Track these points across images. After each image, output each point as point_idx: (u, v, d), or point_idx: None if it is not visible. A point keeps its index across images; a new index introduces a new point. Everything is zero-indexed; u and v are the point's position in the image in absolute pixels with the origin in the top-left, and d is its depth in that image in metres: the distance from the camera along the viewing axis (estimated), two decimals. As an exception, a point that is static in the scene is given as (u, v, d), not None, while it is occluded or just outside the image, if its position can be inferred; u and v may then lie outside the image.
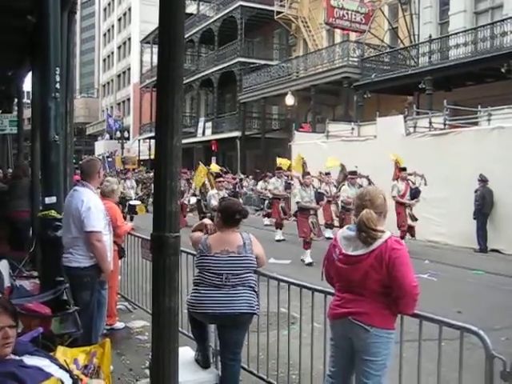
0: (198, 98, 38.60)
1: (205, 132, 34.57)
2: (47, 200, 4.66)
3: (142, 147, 44.50)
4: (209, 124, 34.69)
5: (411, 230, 12.49)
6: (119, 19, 61.14)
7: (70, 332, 4.10)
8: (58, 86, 4.65)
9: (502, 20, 18.26)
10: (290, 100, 26.06)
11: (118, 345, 5.67)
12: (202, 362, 4.49)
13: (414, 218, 12.47)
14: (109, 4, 65.45)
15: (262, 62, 31.17)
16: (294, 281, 4.35)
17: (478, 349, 3.13)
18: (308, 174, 12.98)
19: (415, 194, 12.58)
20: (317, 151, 17.35)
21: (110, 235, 4.85)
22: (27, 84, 11.35)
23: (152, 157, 35.66)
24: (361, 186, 12.18)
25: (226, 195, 10.72)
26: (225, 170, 17.02)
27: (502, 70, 16.70)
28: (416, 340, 3.42)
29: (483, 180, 12.41)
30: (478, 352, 3.12)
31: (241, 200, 12.52)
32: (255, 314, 4.18)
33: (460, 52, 19.19)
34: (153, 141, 37.97)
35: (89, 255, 4.54)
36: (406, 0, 23.11)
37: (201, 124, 35.64)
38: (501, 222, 12.43)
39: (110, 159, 40.43)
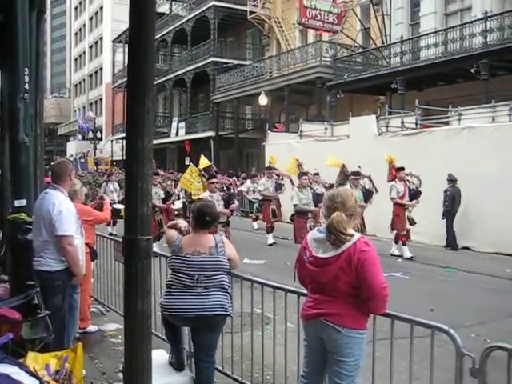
0: (171, 98, 38.40)
1: (178, 132, 34.42)
2: (17, 203, 4.57)
3: (114, 148, 44.11)
4: (182, 124, 34.54)
5: (408, 233, 12.11)
6: (91, 18, 60.49)
7: (41, 337, 4.04)
8: (26, 86, 4.57)
9: (471, 22, 18.57)
10: (263, 100, 26.10)
11: (91, 348, 5.61)
12: (176, 364, 4.47)
13: (413, 222, 12.05)
14: (80, 3, 64.71)
15: (236, 61, 31.15)
16: (267, 282, 4.36)
17: (448, 346, 3.17)
18: (305, 174, 12.56)
19: (415, 194, 12.14)
20: (290, 151, 17.39)
21: (82, 238, 4.79)
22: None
23: (125, 157, 35.30)
24: (363, 187, 11.73)
25: (220, 198, 10.03)
26: (215, 167, 16.08)
27: (472, 71, 16.98)
28: (388, 338, 3.46)
29: (452, 180, 12.57)
30: (449, 349, 3.17)
31: (236, 202, 11.42)
32: (228, 315, 4.17)
33: (431, 53, 19.46)
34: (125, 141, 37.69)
35: (60, 259, 4.48)
36: (377, 1, 23.35)
37: (174, 124, 35.46)
38: (471, 220, 12.63)
39: (82, 160, 39.99)
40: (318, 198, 11.44)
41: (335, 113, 21.98)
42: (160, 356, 4.59)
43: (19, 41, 4.56)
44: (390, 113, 17.86)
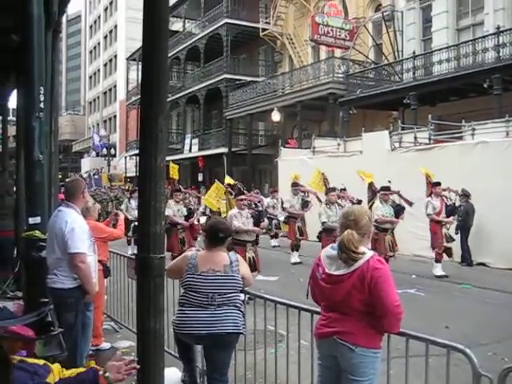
0: (185, 115, 38.64)
1: (191, 148, 34.58)
2: (31, 220, 4.59)
3: (128, 164, 44.38)
4: (195, 140, 34.71)
5: (448, 251, 11.62)
6: (105, 37, 61.27)
7: (54, 354, 4.03)
8: (42, 105, 4.61)
9: (483, 36, 18.55)
10: (276, 116, 26.18)
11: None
12: (189, 382, 4.45)
13: (451, 239, 11.66)
14: (95, 22, 65.61)
15: (248, 78, 31.33)
16: (280, 300, 4.33)
17: (465, 365, 3.13)
18: (333, 190, 12.12)
19: (452, 210, 11.70)
20: (303, 167, 17.38)
21: (95, 256, 4.81)
22: (12, 101, 11.31)
23: (138, 176, 35.42)
24: (394, 202, 11.38)
25: (250, 215, 9.51)
26: (239, 185, 15.46)
27: (484, 86, 16.93)
28: (403, 356, 3.42)
29: (466, 195, 12.45)
30: (465, 368, 3.12)
31: (266, 220, 10.66)
32: (241, 333, 4.15)
33: (443, 68, 19.44)
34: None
35: (73, 276, 4.49)
36: (389, 17, 23.42)
37: (187, 141, 35.65)
38: (485, 235, 12.50)
39: (96, 176, 40.25)
40: None
41: (348, 128, 21.98)
42: (173, 374, 4.57)
43: (35, 60, 4.61)
44: (403, 128, 17.80)
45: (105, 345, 6.32)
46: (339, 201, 12.27)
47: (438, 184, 11.66)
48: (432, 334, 3.37)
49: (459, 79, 18.10)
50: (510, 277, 11.33)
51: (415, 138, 15.74)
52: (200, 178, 31.70)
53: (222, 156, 30.97)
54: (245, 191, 12.84)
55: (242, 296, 4.38)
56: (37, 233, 4.60)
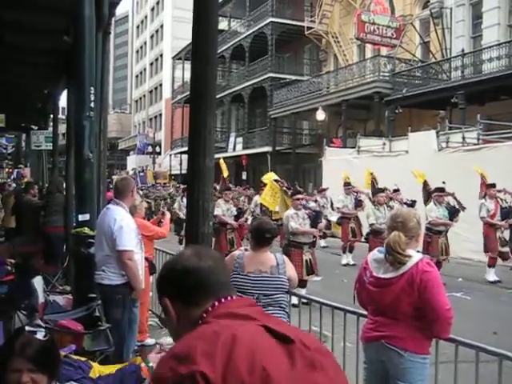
0: (229, 113, 38.84)
1: (235, 147, 34.73)
2: (80, 217, 4.72)
3: (173, 162, 44.89)
4: (239, 139, 34.85)
5: (503, 254, 11.16)
6: (151, 36, 62.17)
7: (101, 349, 4.13)
8: (92, 105, 4.74)
9: (537, 33, 18.00)
10: (320, 115, 26.02)
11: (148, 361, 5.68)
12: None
13: (506, 243, 11.17)
14: (141, 21, 66.64)
15: (293, 77, 31.22)
16: (326, 301, 4.31)
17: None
18: (382, 190, 11.78)
19: (507, 213, 11.22)
20: (348, 167, 17.23)
21: (142, 253, 4.89)
22: (63, 100, 11.62)
23: (183, 171, 35.72)
24: (448, 203, 11.01)
25: (306, 216, 9.03)
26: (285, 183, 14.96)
27: (537, 84, 16.41)
28: (451, 361, 3.36)
29: None
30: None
31: (324, 221, 10.31)
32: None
33: (494, 66, 18.92)
34: (184, 156, 38.30)
35: (120, 273, 4.58)
36: (437, 14, 22.94)
37: (232, 139, 35.82)
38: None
39: (141, 174, 40.88)
40: None
41: (393, 128, 21.65)
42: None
43: (86, 61, 4.74)
44: (451, 128, 17.44)
45: (149, 340, 6.41)
46: (390, 202, 11.88)
47: (493, 185, 11.26)
48: (480, 340, 3.30)
49: (510, 77, 17.57)
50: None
51: (463, 137, 15.39)
52: (244, 176, 31.78)
53: (265, 155, 30.98)
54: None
55: (290, 297, 4.37)
56: (86, 229, 4.73)
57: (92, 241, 4.71)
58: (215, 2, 2.84)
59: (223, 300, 1.45)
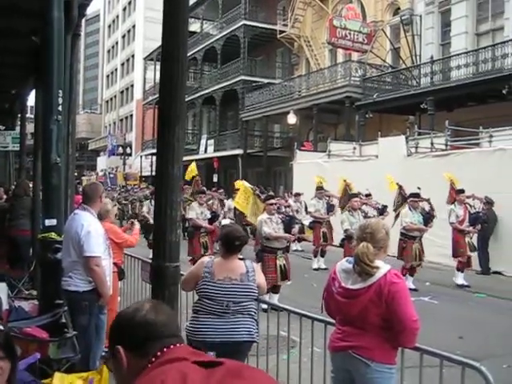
0: (201, 116, 38.73)
1: (207, 149, 34.65)
2: (47, 222, 4.64)
3: (144, 163, 44.56)
4: (211, 141, 34.78)
5: (468, 260, 11.28)
6: (123, 36, 61.62)
7: (67, 357, 4.07)
8: (60, 108, 4.66)
9: (503, 42, 18.37)
10: (292, 119, 26.13)
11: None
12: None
13: (474, 248, 11.33)
14: (113, 21, 66.02)
15: (265, 80, 31.30)
16: (294, 309, 4.33)
17: (480, 377, 3.09)
18: (356, 195, 11.70)
19: (476, 219, 11.38)
20: (318, 170, 17.34)
21: (110, 259, 4.83)
22: (31, 98, 11.40)
23: (154, 173, 35.38)
24: (424, 209, 11.00)
25: (280, 221, 8.90)
26: (259, 188, 14.73)
27: (503, 92, 16.74)
28: (416, 366, 3.41)
29: (489, 202, 12.25)
30: (479, 380, 3.08)
31: (297, 226, 10.19)
32: (255, 342, 4.15)
33: (462, 73, 19.27)
34: (155, 158, 38.05)
35: (87, 279, 4.52)
36: (408, 21, 23.27)
37: (203, 141, 35.72)
38: (503, 244, 12.37)
39: (111, 175, 40.49)
40: None
41: (364, 132, 21.87)
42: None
43: (54, 63, 4.66)
44: (420, 133, 17.68)
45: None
46: (363, 207, 11.86)
47: (462, 191, 11.35)
48: (446, 345, 3.36)
49: (477, 85, 17.92)
50: (526, 286, 11.20)
51: (432, 143, 15.63)
52: (215, 178, 31.72)
53: (237, 157, 31.00)
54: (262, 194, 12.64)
55: (258, 304, 4.37)
56: (53, 235, 4.65)
57: (59, 246, 4.63)
58: (185, 2, 2.82)
59: (165, 349, 1.56)
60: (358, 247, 3.26)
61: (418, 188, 11.25)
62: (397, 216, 11.64)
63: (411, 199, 10.86)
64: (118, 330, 1.65)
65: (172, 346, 1.57)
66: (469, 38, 21.08)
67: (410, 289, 10.00)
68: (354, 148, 19.24)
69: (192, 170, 14.86)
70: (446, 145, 15.27)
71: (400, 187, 11.92)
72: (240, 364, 1.57)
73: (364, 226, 3.39)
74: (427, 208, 11.12)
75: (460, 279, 11.18)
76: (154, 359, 1.54)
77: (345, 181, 13.51)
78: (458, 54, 19.93)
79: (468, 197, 11.64)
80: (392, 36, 25.02)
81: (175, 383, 1.38)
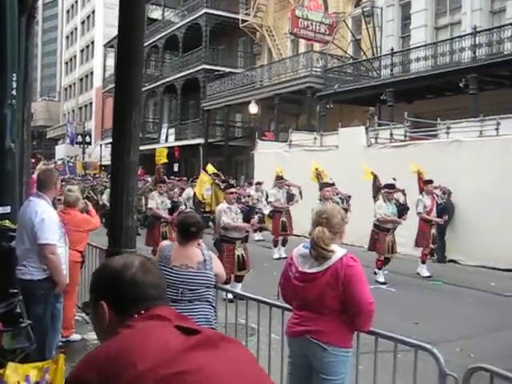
0: (162, 104, 38.35)
1: (168, 138, 34.35)
2: (1, 210, 4.49)
3: (103, 152, 43.88)
4: (172, 130, 34.49)
5: (431, 252, 11.44)
6: (82, 22, 60.33)
7: (22, 347, 3.98)
8: (14, 92, 4.52)
9: (461, 36, 18.76)
10: (253, 108, 26.13)
11: (73, 358, 5.50)
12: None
13: (435, 241, 11.40)
14: (72, 6, 64.50)
15: (227, 69, 31.17)
16: (252, 296, 4.34)
17: (434, 360, 3.17)
18: (329, 185, 11.45)
19: (443, 210, 11.46)
20: (279, 160, 17.41)
21: (66, 247, 4.75)
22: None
23: (110, 171, 34.92)
24: (397, 201, 10.82)
25: (239, 210, 8.75)
26: (222, 175, 14.56)
27: (460, 85, 17.12)
28: (372, 351, 3.47)
29: (445, 193, 12.48)
30: (434, 364, 3.16)
31: (257, 217, 9.91)
32: (213, 328, 4.14)
33: (421, 65, 19.60)
34: (115, 146, 37.45)
35: (42, 267, 4.44)
36: (369, 13, 23.48)
37: (164, 130, 35.40)
38: (459, 233, 12.68)
39: (70, 164, 39.72)
40: None
41: (325, 123, 22.04)
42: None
43: (7, 46, 4.50)
44: (380, 124, 17.94)
45: (75, 336, 6.26)
46: (334, 197, 11.57)
47: (431, 182, 11.35)
48: (402, 330, 3.42)
49: (436, 77, 18.27)
50: (481, 274, 11.52)
51: (391, 134, 15.87)
52: (176, 168, 31.50)
53: (198, 147, 30.84)
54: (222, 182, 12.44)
55: (217, 291, 4.36)
56: (7, 222, 4.51)
57: (13, 234, 4.50)
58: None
59: (150, 309, 1.52)
60: (314, 231, 3.30)
61: (394, 179, 11.08)
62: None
63: (385, 190, 10.67)
64: (103, 285, 1.56)
65: (155, 307, 1.52)
66: (428, 32, 21.43)
67: (379, 281, 10.20)
68: (315, 138, 19.35)
69: (163, 155, 14.49)
70: (405, 136, 15.53)
71: (375, 177, 11.86)
72: (217, 334, 1.52)
73: (320, 212, 3.43)
74: (402, 199, 11.01)
75: (425, 271, 11.21)
76: (136, 316, 1.49)
77: (317, 169, 13.37)
78: (417, 47, 20.26)
79: (436, 187, 11.67)
80: (353, 27, 25.22)
81: (156, 350, 1.33)
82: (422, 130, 15.96)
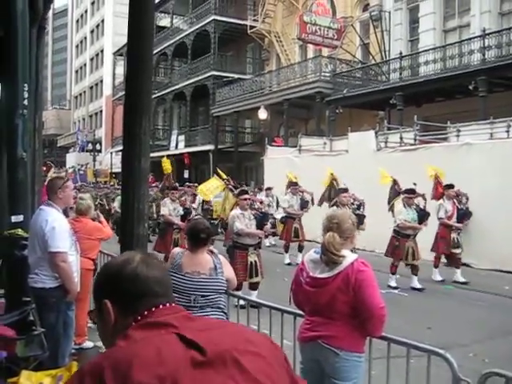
0: (171, 111, 38.49)
1: (177, 145, 34.45)
2: (14, 218, 4.55)
3: (114, 160, 44.09)
4: (181, 137, 34.59)
5: (455, 255, 10.95)
6: (92, 31, 60.81)
7: (35, 355, 4.00)
8: (25, 102, 4.57)
9: (470, 38, 18.69)
10: (262, 114, 26.16)
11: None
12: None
13: (458, 244, 10.97)
14: (81, 16, 65.07)
15: (236, 75, 31.24)
16: (263, 302, 4.34)
17: (447, 366, 3.16)
18: (345, 190, 11.13)
19: (464, 215, 11.19)
20: (289, 166, 17.40)
21: (77, 255, 4.77)
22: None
23: (121, 178, 35.09)
24: (418, 206, 10.49)
25: (253, 217, 8.62)
26: (232, 181, 14.38)
27: (470, 87, 17.05)
28: (385, 357, 3.45)
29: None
30: (447, 368, 3.15)
31: (269, 223, 9.77)
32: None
33: (430, 69, 19.55)
34: (125, 153, 37.62)
35: (54, 276, 4.46)
36: (377, 17, 23.47)
37: (173, 137, 35.50)
38: (471, 236, 12.56)
39: (81, 172, 39.93)
40: (359, 219, 9.43)
41: (334, 128, 22.03)
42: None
43: (19, 57, 4.56)
44: (389, 128, 17.88)
45: (88, 343, 6.28)
46: (350, 203, 11.35)
47: (452, 186, 11.09)
48: (414, 335, 3.41)
49: (445, 80, 18.21)
50: (493, 277, 11.44)
51: (401, 138, 15.81)
52: (186, 175, 31.59)
53: (208, 153, 30.91)
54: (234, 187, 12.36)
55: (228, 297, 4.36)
56: (19, 231, 4.56)
57: (26, 243, 4.55)
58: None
59: (154, 309, 1.45)
60: (325, 237, 3.30)
61: (414, 184, 10.78)
62: (390, 210, 11.32)
63: (406, 195, 10.38)
64: (104, 283, 1.51)
65: (161, 306, 1.46)
66: (436, 35, 21.39)
67: (417, 288, 10.04)
68: (325, 143, 19.34)
69: (167, 166, 14.62)
70: (415, 139, 15.46)
71: (394, 181, 11.60)
72: (229, 351, 1.37)
73: (331, 217, 3.44)
74: (422, 204, 10.75)
75: (438, 275, 11.03)
76: (139, 318, 1.43)
77: (332, 174, 13.14)
78: (426, 50, 20.22)
79: (456, 192, 11.36)
80: (361, 32, 25.22)
81: (146, 365, 1.27)
82: (432, 134, 15.90)
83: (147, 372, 1.26)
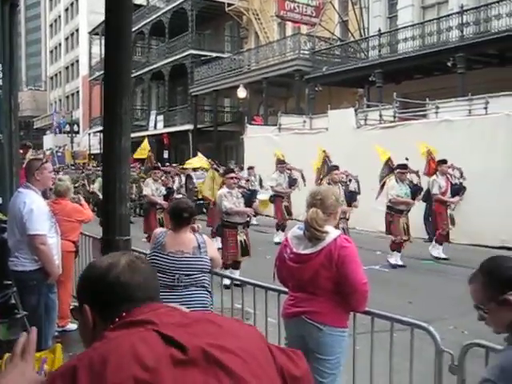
0: (149, 91, 38.10)
1: (156, 125, 34.18)
2: (-8, 201, 4.50)
3: (92, 141, 43.59)
4: (160, 117, 34.31)
5: (447, 234, 10.97)
6: (66, 9, 59.54)
7: (18, 338, 3.97)
8: (0, 82, 4.48)
9: (448, 15, 18.71)
10: (241, 93, 26.02)
11: (70, 347, 5.51)
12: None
13: (453, 222, 10.94)
14: (55, -7, 63.70)
15: (214, 54, 30.97)
16: (248, 280, 4.35)
17: (429, 338, 3.21)
18: (336, 168, 10.69)
19: (458, 190, 11.09)
20: (269, 144, 17.38)
21: (57, 237, 4.72)
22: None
23: (102, 158, 34.86)
24: (411, 181, 10.49)
25: (240, 195, 8.67)
26: (215, 162, 14.42)
27: (448, 64, 17.12)
28: (368, 332, 3.50)
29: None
30: (430, 342, 3.21)
31: (257, 200, 9.83)
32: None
33: (408, 46, 19.57)
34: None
35: (33, 258, 4.42)
36: (355, -7, 23.36)
37: (152, 117, 35.20)
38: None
39: (59, 154, 39.40)
40: (351, 197, 10.10)
41: (314, 106, 22.00)
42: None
43: (-9, 36, 4.46)
44: (369, 106, 17.93)
45: (71, 326, 6.24)
46: (343, 179, 11.05)
47: (445, 162, 11.00)
48: (396, 310, 3.45)
49: (424, 57, 18.25)
50: (472, 252, 11.54)
51: (380, 115, 15.88)
52: (165, 155, 31.39)
53: (187, 133, 30.73)
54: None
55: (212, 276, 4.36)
56: (-2, 214, 4.50)
57: (5, 226, 4.49)
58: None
59: (133, 309, 1.43)
60: (308, 213, 3.32)
61: (406, 159, 10.78)
62: (382, 187, 11.22)
63: (398, 171, 10.29)
64: (85, 287, 1.50)
65: (141, 305, 1.43)
66: (415, 11, 21.36)
67: (398, 265, 10.06)
68: (304, 121, 19.34)
69: (145, 147, 14.60)
70: (394, 116, 15.54)
71: (388, 158, 11.45)
72: (206, 351, 1.32)
73: (314, 193, 3.45)
74: (415, 180, 10.75)
75: (440, 252, 10.99)
76: (117, 320, 1.41)
77: (324, 151, 13.02)
78: (404, 27, 20.21)
79: (448, 167, 11.29)
80: (340, 9, 25.09)
81: (121, 363, 1.24)
82: (411, 111, 15.98)
83: (122, 371, 1.23)
